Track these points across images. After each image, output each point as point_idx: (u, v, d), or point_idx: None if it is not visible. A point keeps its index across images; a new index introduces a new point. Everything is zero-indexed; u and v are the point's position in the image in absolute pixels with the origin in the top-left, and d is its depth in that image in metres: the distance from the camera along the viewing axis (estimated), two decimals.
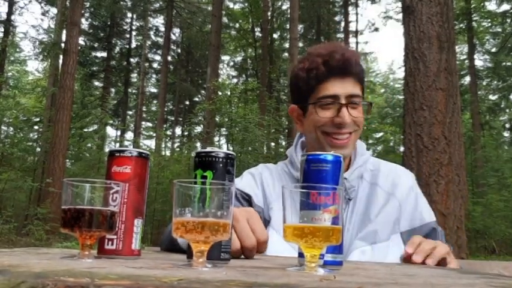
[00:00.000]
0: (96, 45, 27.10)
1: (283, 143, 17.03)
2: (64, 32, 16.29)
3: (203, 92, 24.06)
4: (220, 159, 0.85)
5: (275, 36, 24.98)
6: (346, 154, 1.45)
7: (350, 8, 24.80)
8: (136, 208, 0.87)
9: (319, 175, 0.87)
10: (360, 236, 1.40)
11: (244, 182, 1.54)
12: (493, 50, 23.23)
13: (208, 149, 0.86)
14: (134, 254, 0.86)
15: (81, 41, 22.41)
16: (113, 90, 27.79)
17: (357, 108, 1.45)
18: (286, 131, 17.84)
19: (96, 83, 27.55)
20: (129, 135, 29.26)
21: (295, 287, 0.47)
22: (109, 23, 26.44)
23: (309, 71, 1.46)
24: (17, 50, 27.30)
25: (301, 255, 0.75)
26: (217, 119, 17.81)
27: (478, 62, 22.87)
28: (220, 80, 19.95)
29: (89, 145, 18.24)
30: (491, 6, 21.93)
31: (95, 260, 0.76)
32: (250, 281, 0.52)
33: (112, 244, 0.85)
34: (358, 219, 1.43)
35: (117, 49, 28.52)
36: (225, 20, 22.94)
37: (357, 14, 25.49)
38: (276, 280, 0.54)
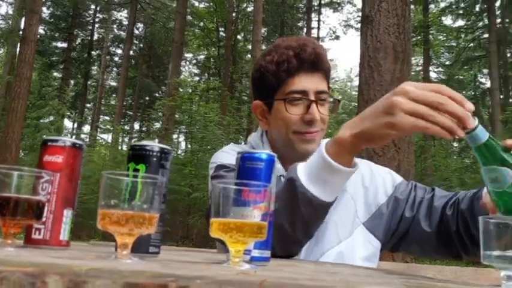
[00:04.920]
0: (56, 35, 26.44)
1: (243, 144, 17.08)
2: (23, 19, 15.77)
3: (164, 88, 23.80)
4: (155, 153, 0.85)
5: (239, 37, 25.02)
6: (313, 149, 1.38)
7: (313, 15, 25.18)
8: (66, 198, 0.86)
9: (253, 173, 0.89)
10: (321, 237, 1.35)
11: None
12: (447, 63, 24.17)
13: (143, 142, 0.86)
14: (62, 244, 0.85)
15: (41, 29, 21.75)
16: (72, 81, 27.16)
17: (324, 105, 1.42)
18: (246, 131, 17.90)
19: (55, 74, 26.90)
20: (87, 128, 28.64)
21: (204, 278, 0.48)
22: (71, 13, 25.82)
23: (279, 64, 1.39)
24: None
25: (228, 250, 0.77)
26: (177, 116, 17.66)
27: (433, 74, 23.74)
28: (182, 77, 19.80)
29: (44, 136, 17.74)
30: (447, 21, 22.82)
31: (18, 249, 0.74)
32: (162, 272, 0.52)
33: (39, 234, 0.83)
34: None
35: (79, 40, 27.91)
36: (189, 18, 22.79)
37: (319, 21, 25.91)
38: (192, 273, 0.54)
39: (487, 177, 0.96)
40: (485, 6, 19.89)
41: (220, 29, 24.63)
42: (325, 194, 1.13)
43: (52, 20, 25.84)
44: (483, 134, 0.95)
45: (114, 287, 0.41)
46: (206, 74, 27.87)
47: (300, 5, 25.87)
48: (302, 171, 1.15)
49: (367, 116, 1.07)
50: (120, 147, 21.37)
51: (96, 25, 28.16)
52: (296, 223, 1.15)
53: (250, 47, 22.27)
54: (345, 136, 1.09)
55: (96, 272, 0.47)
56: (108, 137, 26.49)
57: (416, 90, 0.98)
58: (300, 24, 26.05)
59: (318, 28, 25.78)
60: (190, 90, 17.47)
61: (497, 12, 20.24)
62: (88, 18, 27.90)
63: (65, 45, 26.36)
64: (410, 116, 0.97)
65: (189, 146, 19.45)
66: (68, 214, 0.86)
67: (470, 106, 0.96)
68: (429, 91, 0.98)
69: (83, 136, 23.79)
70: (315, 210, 1.14)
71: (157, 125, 21.95)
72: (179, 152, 22.21)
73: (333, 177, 1.12)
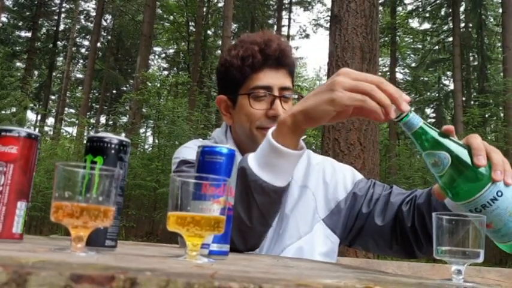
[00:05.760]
0: (20, 24, 25.64)
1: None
2: None
3: (132, 81, 23.44)
4: (113, 146, 0.84)
5: (209, 32, 24.87)
6: None
7: (283, 13, 25.31)
8: (20, 190, 0.84)
9: (213, 167, 0.88)
10: (283, 233, 1.37)
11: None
12: (413, 65, 24.72)
13: (101, 134, 0.85)
14: (15, 237, 0.83)
15: (3, 17, 21.08)
16: (36, 72, 26.40)
17: (288, 102, 1.42)
18: (215, 127, 17.82)
19: (18, 64, 26.08)
20: (51, 120, 27.93)
21: (155, 270, 0.47)
22: (36, 2, 25.07)
23: (243, 59, 1.39)
24: None
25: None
26: (144, 111, 17.43)
27: (399, 75, 24.21)
28: (150, 70, 19.55)
29: None
30: (414, 23, 23.33)
31: None
32: (114, 264, 0.51)
33: None
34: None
35: (44, 30, 27.14)
36: (159, 11, 22.49)
37: (289, 19, 26.06)
38: (144, 266, 0.54)
39: (427, 163, 0.98)
40: (450, 10, 20.41)
41: (190, 23, 24.41)
42: (275, 179, 1.14)
43: (16, 8, 25.05)
44: (417, 120, 0.96)
45: (60, 278, 0.40)
46: (175, 69, 27.57)
47: (271, 2, 25.93)
48: (252, 159, 1.16)
49: (310, 96, 1.09)
50: (85, 141, 20.96)
51: (63, 15, 27.46)
52: (252, 212, 1.16)
53: (220, 42, 22.19)
54: (286, 117, 1.11)
55: (44, 263, 0.46)
56: (73, 130, 25.96)
57: (358, 72, 1.03)
58: (270, 21, 26.12)
59: (289, 26, 25.93)
60: (158, 85, 17.28)
61: (462, 17, 20.81)
62: (54, 8, 27.16)
63: (29, 34, 25.58)
64: (348, 92, 1.01)
65: (157, 141, 19.25)
66: (21, 206, 0.84)
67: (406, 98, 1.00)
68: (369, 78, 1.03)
69: (46, 129, 23.23)
70: (268, 197, 1.15)
71: (124, 118, 21.61)
72: (146, 146, 21.95)
73: (280, 161, 1.13)
